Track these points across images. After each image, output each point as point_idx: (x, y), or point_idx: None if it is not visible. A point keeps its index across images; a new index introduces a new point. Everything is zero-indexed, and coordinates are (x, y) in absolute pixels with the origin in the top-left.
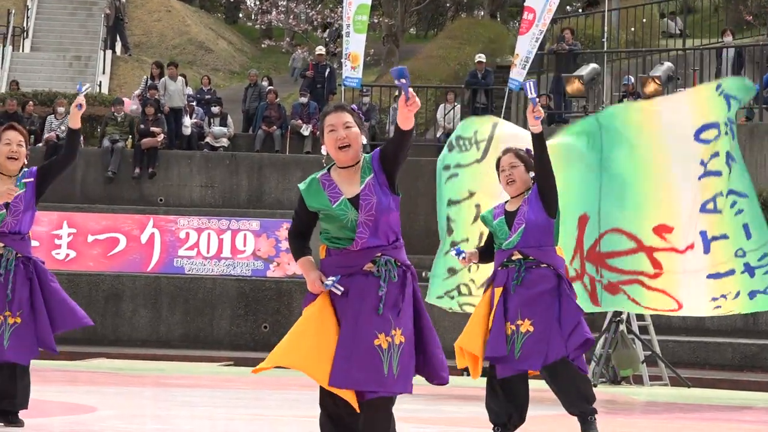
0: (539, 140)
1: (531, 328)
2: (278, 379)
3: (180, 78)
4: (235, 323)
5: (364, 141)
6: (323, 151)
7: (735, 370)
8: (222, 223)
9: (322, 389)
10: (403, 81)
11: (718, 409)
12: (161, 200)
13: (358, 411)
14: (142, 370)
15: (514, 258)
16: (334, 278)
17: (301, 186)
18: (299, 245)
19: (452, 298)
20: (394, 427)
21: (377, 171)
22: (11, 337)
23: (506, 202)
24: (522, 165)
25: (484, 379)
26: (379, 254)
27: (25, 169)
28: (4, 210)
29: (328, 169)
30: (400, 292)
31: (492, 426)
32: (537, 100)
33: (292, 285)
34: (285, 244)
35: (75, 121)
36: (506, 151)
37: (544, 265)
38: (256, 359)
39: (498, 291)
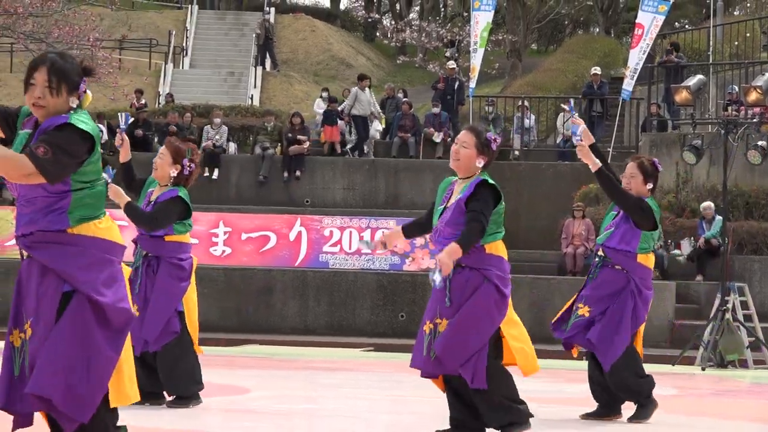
0: (598, 176)
1: (587, 314)
2: None
3: (367, 89)
4: (374, 313)
5: (480, 164)
6: None
7: None
8: (362, 222)
9: None
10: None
11: None
12: (308, 201)
13: None
14: (291, 355)
15: (598, 253)
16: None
17: (442, 181)
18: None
19: None
20: None
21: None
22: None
23: None
24: (641, 176)
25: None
26: None
27: (172, 188)
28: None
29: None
30: None
31: None
32: None
33: (425, 278)
34: (419, 241)
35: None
36: (634, 158)
37: (618, 267)
38: (394, 345)
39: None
